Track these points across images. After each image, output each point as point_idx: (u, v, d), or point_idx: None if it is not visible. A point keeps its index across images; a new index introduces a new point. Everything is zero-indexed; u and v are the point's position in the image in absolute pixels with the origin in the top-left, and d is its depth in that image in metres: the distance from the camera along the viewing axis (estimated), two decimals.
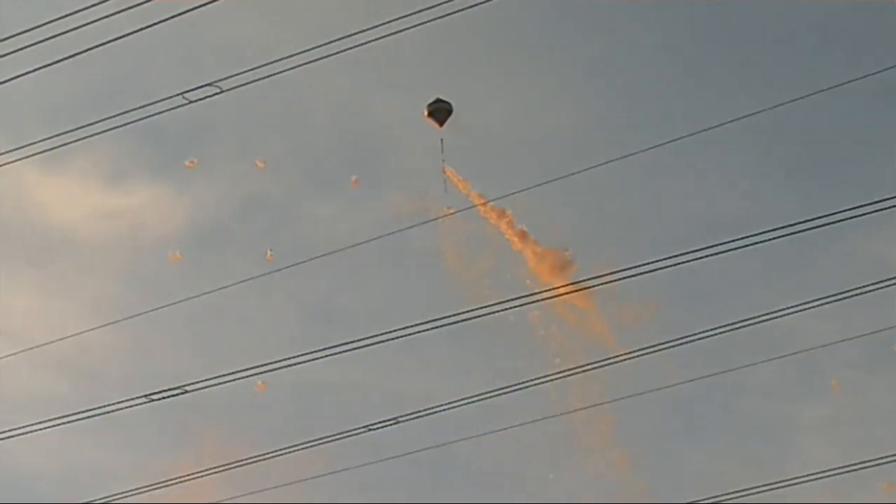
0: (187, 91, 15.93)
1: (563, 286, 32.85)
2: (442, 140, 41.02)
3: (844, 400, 42.12)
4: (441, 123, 40.81)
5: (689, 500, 20.84)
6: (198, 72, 17.79)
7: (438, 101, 40.63)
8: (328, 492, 29.37)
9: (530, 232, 41.55)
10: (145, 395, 19.01)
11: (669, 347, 18.00)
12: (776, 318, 17.21)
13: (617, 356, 19.10)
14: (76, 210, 52.39)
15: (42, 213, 52.08)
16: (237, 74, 15.83)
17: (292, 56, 15.74)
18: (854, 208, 15.15)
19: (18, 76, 16.09)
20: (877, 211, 15.08)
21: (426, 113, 40.43)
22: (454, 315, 17.42)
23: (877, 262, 42.80)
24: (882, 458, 19.51)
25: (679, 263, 15.89)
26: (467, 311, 17.33)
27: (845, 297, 16.70)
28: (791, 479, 19.93)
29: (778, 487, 19.89)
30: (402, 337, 17.42)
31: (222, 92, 15.95)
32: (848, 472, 19.70)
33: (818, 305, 16.86)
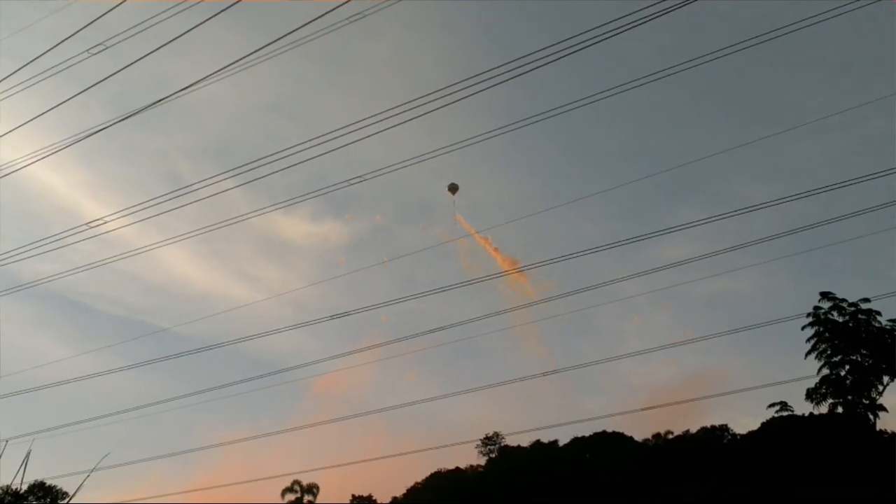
0: (350, 179, 32.86)
1: (514, 271, 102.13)
2: (455, 201, 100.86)
3: (643, 317, 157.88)
4: (454, 193, 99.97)
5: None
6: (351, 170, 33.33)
7: (452, 183, 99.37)
8: None
9: (499, 248, 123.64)
10: (330, 316, 38.37)
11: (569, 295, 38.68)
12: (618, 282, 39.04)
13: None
14: (297, 232, 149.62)
15: (282, 234, 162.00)
16: (372, 172, 32.71)
17: (395, 164, 32.46)
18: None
19: (273, 172, 31.65)
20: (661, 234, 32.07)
21: (448, 189, 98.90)
22: (464, 283, 40.43)
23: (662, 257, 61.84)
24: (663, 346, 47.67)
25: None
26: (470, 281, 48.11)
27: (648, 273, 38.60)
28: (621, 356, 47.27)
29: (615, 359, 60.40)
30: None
31: (364, 180, 32.67)
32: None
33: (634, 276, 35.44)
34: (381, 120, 29.25)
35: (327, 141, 29.98)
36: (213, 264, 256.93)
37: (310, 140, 30.25)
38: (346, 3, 26.36)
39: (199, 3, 27.76)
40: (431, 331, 38.82)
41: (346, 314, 37.28)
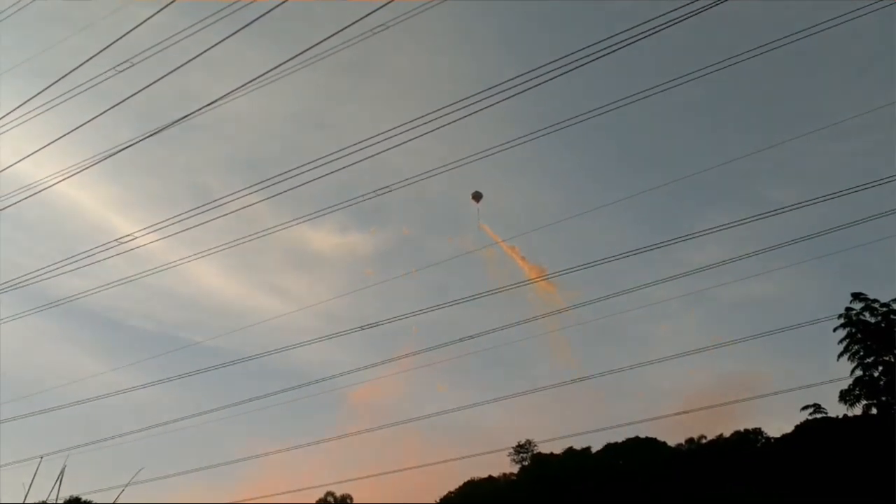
0: (376, 190, 33.20)
1: (542, 278, 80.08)
2: (478, 209, 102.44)
3: (673, 322, 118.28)
4: (478, 201, 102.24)
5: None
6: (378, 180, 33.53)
7: (476, 192, 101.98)
8: None
9: (526, 257, 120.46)
10: (359, 327, 38.82)
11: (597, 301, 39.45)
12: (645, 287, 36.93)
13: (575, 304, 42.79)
14: (325, 244, 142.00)
15: (308, 246, 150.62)
16: (393, 184, 33.20)
17: (421, 174, 33.82)
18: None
19: (301, 185, 32.16)
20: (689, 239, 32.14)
21: (472, 197, 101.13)
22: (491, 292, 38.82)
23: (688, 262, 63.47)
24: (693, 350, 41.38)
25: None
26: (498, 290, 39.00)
27: (672, 279, 35.73)
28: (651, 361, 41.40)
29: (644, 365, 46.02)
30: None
31: (392, 190, 33.27)
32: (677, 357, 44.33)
33: (663, 282, 37.95)
34: (406, 130, 29.50)
35: (353, 152, 30.30)
36: (243, 277, 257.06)
37: (335, 152, 30.62)
38: (369, 15, 26.49)
39: (222, 19, 28.00)
40: (461, 339, 38.92)
41: (376, 324, 37.54)
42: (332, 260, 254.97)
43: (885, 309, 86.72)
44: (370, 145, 30.02)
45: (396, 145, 29.89)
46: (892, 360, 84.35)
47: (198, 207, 33.41)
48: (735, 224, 30.71)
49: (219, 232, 39.65)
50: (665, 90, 28.58)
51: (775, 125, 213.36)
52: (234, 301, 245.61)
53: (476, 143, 32.09)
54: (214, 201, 33.29)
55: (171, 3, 28.00)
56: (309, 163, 31.05)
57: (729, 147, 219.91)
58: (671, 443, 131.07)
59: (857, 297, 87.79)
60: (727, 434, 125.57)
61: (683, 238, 32.06)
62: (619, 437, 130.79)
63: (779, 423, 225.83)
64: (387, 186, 32.37)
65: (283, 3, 25.80)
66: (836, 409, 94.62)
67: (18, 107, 32.33)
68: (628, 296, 37.64)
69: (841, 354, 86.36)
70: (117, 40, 29.49)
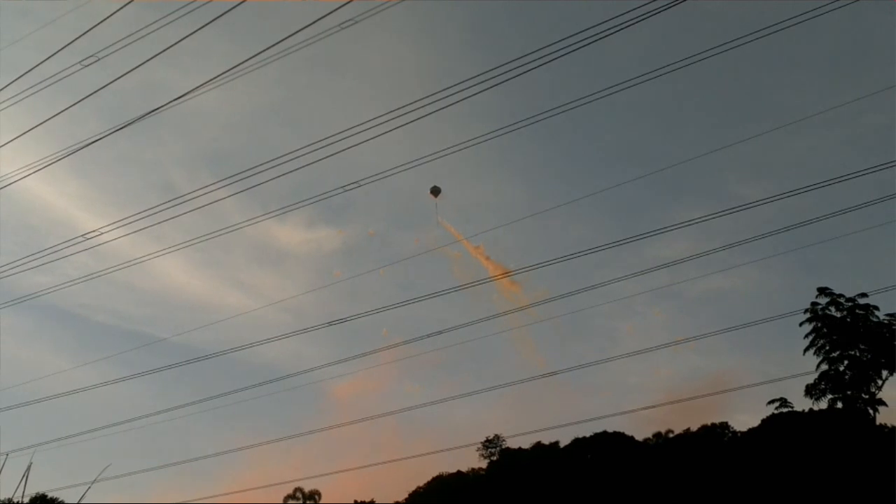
0: (344, 185, 32.83)
1: (507, 274, 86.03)
2: (436, 204, 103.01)
3: (640, 319, 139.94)
4: (436, 196, 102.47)
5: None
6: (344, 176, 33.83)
7: (434, 187, 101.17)
8: None
9: (491, 255, 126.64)
10: (328, 322, 38.69)
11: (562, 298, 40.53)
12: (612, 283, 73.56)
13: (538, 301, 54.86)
14: (292, 240, 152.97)
15: (276, 242, 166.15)
16: (367, 178, 32.53)
17: (389, 170, 32.81)
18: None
19: (268, 180, 32.49)
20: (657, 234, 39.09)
21: (430, 192, 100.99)
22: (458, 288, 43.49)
23: (657, 258, 65.89)
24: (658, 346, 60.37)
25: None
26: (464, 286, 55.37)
27: (641, 273, 51.62)
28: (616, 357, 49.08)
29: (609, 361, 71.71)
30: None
31: (359, 186, 32.59)
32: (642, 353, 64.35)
33: (629, 277, 39.95)
34: (374, 126, 29.56)
35: (321, 147, 30.30)
36: (210, 273, 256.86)
37: (303, 147, 30.61)
38: (337, 9, 26.45)
39: (189, 13, 27.85)
40: (429, 335, 39.01)
41: (343, 320, 37.51)
42: (300, 255, 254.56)
43: (850, 304, 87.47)
44: (337, 140, 30.04)
45: (364, 141, 29.96)
46: (858, 354, 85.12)
47: (164, 203, 33.32)
48: (701, 220, 30.92)
49: (185, 227, 39.56)
50: (631, 86, 28.71)
51: (741, 120, 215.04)
52: (202, 297, 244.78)
53: (444, 138, 32.18)
54: (181, 197, 33.25)
55: None
56: (276, 158, 31.01)
57: (695, 142, 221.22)
58: (639, 437, 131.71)
59: (822, 291, 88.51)
60: (694, 428, 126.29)
61: (649, 234, 32.25)
62: (587, 431, 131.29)
63: (746, 417, 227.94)
64: (355, 182, 32.29)
65: None
66: (803, 404, 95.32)
67: None
68: (595, 292, 37.78)
69: (807, 349, 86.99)
70: (83, 35, 29.36)
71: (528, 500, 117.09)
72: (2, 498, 29.08)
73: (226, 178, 32.76)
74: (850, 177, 29.19)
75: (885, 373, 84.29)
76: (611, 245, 32.53)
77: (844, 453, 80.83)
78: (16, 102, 31.91)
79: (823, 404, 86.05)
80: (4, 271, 37.47)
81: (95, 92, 30.69)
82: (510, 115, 31.80)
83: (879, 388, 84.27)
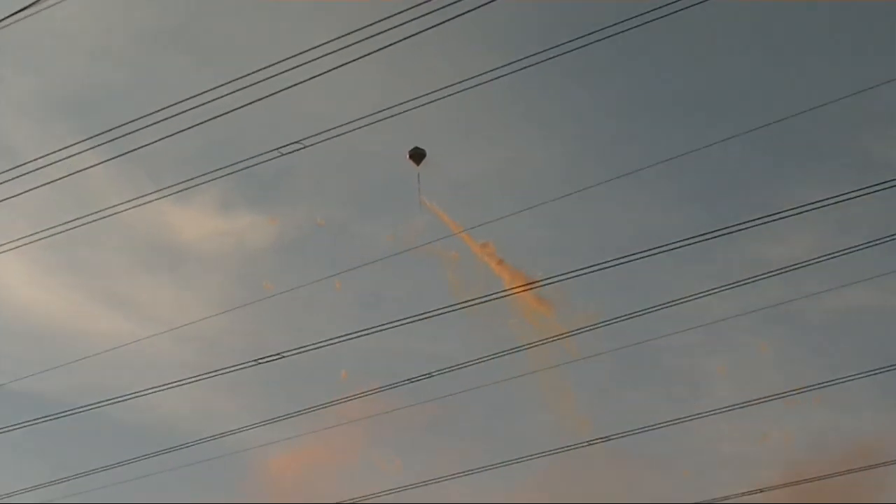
0: (281, 147, 23.18)
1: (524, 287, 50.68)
2: (419, 176, 60.08)
3: (739, 354, 69.38)
4: (418, 164, 59.51)
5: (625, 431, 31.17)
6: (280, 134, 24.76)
7: (416, 149, 58.52)
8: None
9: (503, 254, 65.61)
10: (254, 360, 27.48)
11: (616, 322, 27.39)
12: (693, 299, 26.17)
13: (580, 328, 29.19)
14: (198, 231, 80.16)
15: (175, 233, 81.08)
16: (315, 135, 23.09)
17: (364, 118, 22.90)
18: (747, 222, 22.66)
19: (161, 139, 22.84)
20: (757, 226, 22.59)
21: (410, 157, 58.97)
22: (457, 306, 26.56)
23: (760, 261, 55.07)
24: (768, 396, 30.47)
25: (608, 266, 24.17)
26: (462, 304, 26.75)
27: (738, 285, 25.52)
28: (701, 413, 31.33)
29: (690, 420, 31.41)
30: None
31: (305, 147, 23.28)
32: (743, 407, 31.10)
33: (720, 290, 25.88)
34: (326, 54, 20.53)
35: (241, 89, 21.57)
36: (69, 283, 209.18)
37: (214, 88, 21.65)
38: None
39: None
40: (412, 380, 28.16)
41: (280, 357, 26.81)
42: (210, 256, 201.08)
43: None
44: (268, 77, 21.19)
45: (311, 77, 21.13)
46: None
47: None
48: (828, 202, 20.83)
49: (31, 211, 31.76)
50: None
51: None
52: (56, 320, 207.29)
53: (435, 76, 23.97)
54: (23, 164, 24.48)
55: None
56: (172, 105, 22.16)
57: (818, 86, 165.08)
58: None
59: None
60: None
61: (751, 223, 21.87)
62: None
63: None
64: (297, 142, 23.11)
65: None
66: None
67: None
68: (667, 313, 26.32)
69: None
70: None
71: None
72: None
73: (94, 136, 23.93)
74: None
75: None
76: (690, 240, 22.01)
77: None
78: None
79: None
80: None
81: None
82: (536, 41, 21.61)
83: None
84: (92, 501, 38.85)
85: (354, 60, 20.38)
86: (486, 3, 18.51)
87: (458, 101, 22.42)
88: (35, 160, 24.05)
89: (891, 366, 27.40)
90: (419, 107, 22.25)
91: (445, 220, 64.63)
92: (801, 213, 21.67)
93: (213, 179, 25.23)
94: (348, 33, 19.95)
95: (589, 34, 20.46)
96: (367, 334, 26.49)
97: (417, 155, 58.73)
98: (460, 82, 21.76)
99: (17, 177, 24.39)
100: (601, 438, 31.44)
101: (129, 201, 26.09)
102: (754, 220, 22.33)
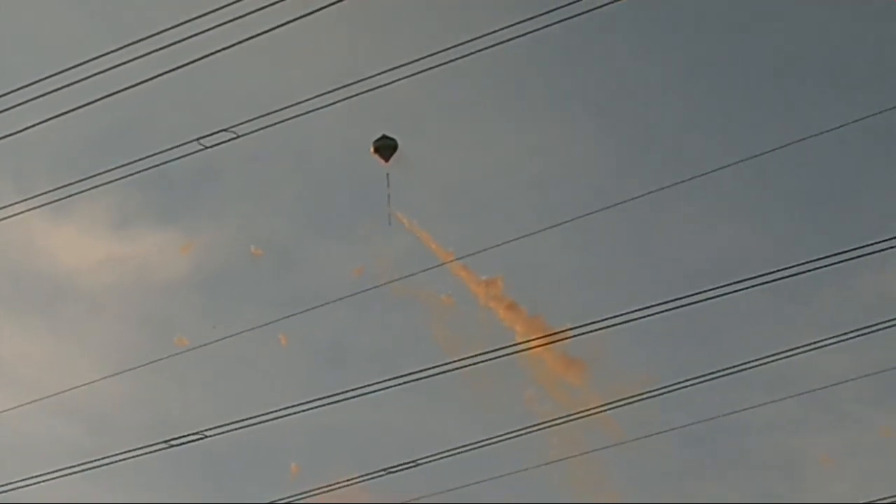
0: (203, 136, 17.15)
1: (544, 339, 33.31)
2: (388, 176, 43.77)
3: (854, 434, 49.11)
4: (387, 160, 43.63)
5: None
6: (205, 119, 20.10)
7: (383, 138, 43.14)
8: None
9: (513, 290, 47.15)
10: (164, 441, 20.76)
11: (683, 387, 19.56)
12: (786, 356, 18.44)
13: (625, 398, 21.04)
14: (83, 257, 57.47)
15: (49, 260, 58.38)
16: (251, 120, 17.04)
17: (301, 102, 16.97)
18: (859, 248, 16.25)
19: (27, 127, 17.61)
20: (882, 250, 16.19)
21: (374, 150, 43.23)
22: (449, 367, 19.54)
23: (883, 300, 47.10)
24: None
25: (675, 308, 17.21)
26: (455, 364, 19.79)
27: (854, 336, 17.94)
28: None
29: None
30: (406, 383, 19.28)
31: (238, 137, 17.26)
32: None
33: (827, 344, 18.13)
34: (256, 10, 15.58)
35: (149, 53, 16.43)
36: None
37: (104, 55, 16.55)
38: None
39: None
40: (391, 469, 21.62)
41: (199, 438, 20.39)
42: (96, 292, 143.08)
43: None
44: (179, 40, 16.18)
45: (236, 43, 16.24)
46: None
47: None
48: None
49: None
50: None
51: None
52: None
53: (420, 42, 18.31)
54: None
55: None
56: (44, 79, 16.92)
57: None
58: None
59: None
60: None
61: (861, 250, 16.23)
62: None
63: None
64: (225, 129, 17.47)
65: None
66: None
67: None
68: (747, 376, 19.77)
69: None
70: None
71: None
72: None
73: None
74: None
75: None
76: (783, 271, 16.24)
77: None
78: None
79: None
80: None
81: None
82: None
83: None
84: None
85: (305, 16, 15.61)
86: None
87: (445, 74, 17.18)
88: None
89: None
90: (391, 82, 17.26)
91: (429, 242, 46.69)
92: None
93: (102, 184, 19.17)
94: None
95: None
96: (324, 405, 20.17)
97: (385, 147, 43.18)
98: (452, 48, 16.47)
99: None
100: None
101: None
102: (874, 243, 16.54)
